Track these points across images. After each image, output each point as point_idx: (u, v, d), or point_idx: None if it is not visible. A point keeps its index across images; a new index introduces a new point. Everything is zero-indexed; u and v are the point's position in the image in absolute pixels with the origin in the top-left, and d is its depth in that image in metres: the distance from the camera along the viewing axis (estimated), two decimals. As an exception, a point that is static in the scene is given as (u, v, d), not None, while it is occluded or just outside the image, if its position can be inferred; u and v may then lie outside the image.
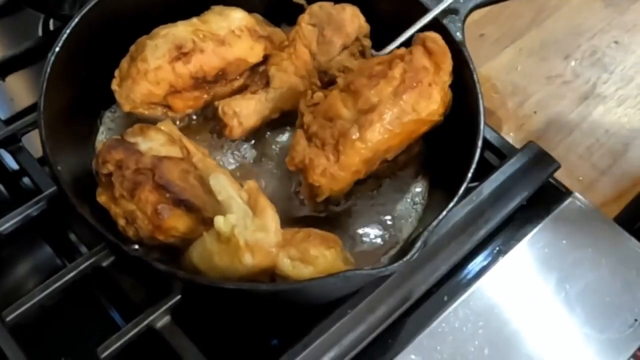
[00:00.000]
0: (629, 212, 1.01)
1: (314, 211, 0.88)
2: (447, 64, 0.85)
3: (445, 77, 0.85)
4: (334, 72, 0.92)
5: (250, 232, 0.71)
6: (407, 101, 0.82)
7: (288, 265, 0.75)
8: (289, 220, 0.86)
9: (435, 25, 0.89)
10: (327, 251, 0.77)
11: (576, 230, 0.94)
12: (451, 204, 0.75)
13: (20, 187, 0.96)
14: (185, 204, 0.76)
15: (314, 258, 0.76)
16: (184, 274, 0.72)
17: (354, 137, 0.81)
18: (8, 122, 0.97)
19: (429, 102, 0.83)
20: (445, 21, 0.89)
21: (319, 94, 0.86)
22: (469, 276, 0.89)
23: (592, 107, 1.14)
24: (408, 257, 0.70)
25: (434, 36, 0.84)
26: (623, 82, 1.18)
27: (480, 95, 0.84)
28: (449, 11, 0.90)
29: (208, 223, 0.75)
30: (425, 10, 0.90)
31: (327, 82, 0.93)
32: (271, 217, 0.72)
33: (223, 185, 0.74)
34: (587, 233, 0.94)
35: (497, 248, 0.92)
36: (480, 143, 0.81)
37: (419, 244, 0.71)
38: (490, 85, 1.15)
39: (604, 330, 0.87)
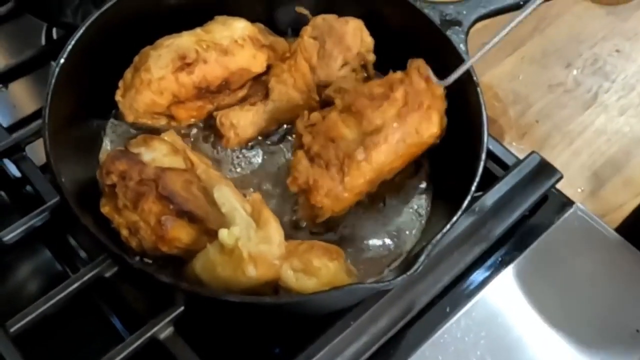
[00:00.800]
0: (631, 222, 1.01)
1: (312, 232, 0.87)
2: (440, 89, 0.85)
3: (440, 102, 0.85)
4: (330, 93, 0.92)
5: (253, 244, 0.71)
6: (411, 123, 0.83)
7: (291, 277, 0.75)
8: (291, 233, 0.86)
9: (439, 37, 0.89)
10: (330, 263, 0.77)
11: (578, 241, 0.94)
12: (454, 218, 0.76)
13: (23, 194, 0.96)
14: (188, 215, 0.76)
15: (317, 269, 0.76)
16: (187, 286, 0.72)
17: (360, 157, 0.81)
18: (11, 129, 0.97)
19: (430, 125, 0.84)
20: (448, 33, 0.89)
21: (315, 115, 0.86)
22: (472, 287, 0.90)
23: (594, 116, 1.15)
24: (411, 271, 0.70)
25: (425, 65, 0.85)
26: (625, 91, 1.18)
27: (484, 110, 0.83)
28: (452, 23, 0.90)
29: (211, 234, 0.75)
30: (432, 26, 0.90)
31: (325, 99, 0.93)
32: (275, 229, 0.72)
33: (227, 197, 0.74)
34: (589, 243, 0.94)
35: (500, 259, 0.92)
36: (483, 157, 0.81)
37: (422, 257, 0.71)
38: (492, 94, 1.15)
39: (606, 340, 0.87)
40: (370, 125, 0.82)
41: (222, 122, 0.90)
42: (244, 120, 0.91)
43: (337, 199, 0.82)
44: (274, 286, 0.75)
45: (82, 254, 0.90)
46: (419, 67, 0.84)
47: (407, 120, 0.82)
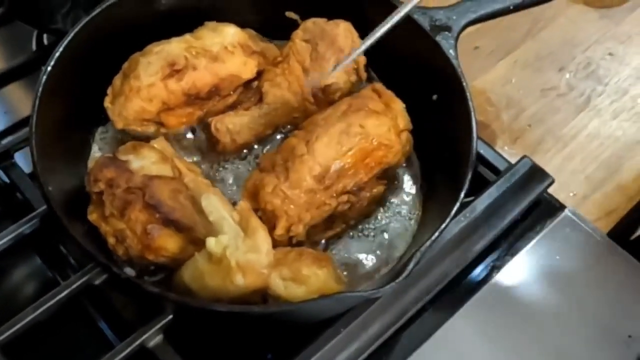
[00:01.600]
0: (623, 227, 1.01)
1: (277, 244, 0.81)
2: (398, 103, 0.88)
3: (399, 119, 0.87)
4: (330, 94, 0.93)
5: (241, 252, 0.71)
6: (354, 118, 0.84)
7: (280, 285, 0.75)
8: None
9: (428, 42, 0.89)
10: (319, 270, 0.77)
11: (570, 245, 0.94)
12: (443, 226, 0.75)
13: (13, 200, 0.96)
14: (175, 224, 0.76)
15: (306, 277, 0.76)
16: (175, 296, 0.72)
17: (301, 152, 0.82)
18: (1, 135, 0.97)
19: (379, 123, 0.85)
20: (438, 38, 0.89)
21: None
22: (464, 292, 0.89)
23: (587, 120, 1.14)
24: (400, 278, 0.70)
25: (380, 85, 0.91)
26: (617, 95, 1.17)
27: (473, 117, 0.83)
28: (442, 28, 0.89)
29: (198, 243, 0.75)
30: (421, 31, 0.90)
31: (324, 99, 0.93)
32: (263, 238, 0.72)
33: (215, 206, 0.74)
34: (580, 248, 0.94)
35: (492, 264, 0.92)
36: (471, 165, 0.80)
37: (411, 265, 0.71)
38: (485, 99, 1.15)
39: (598, 346, 0.87)
40: (313, 125, 0.85)
41: (218, 128, 0.90)
42: (239, 125, 0.90)
43: (286, 198, 0.80)
44: (263, 295, 0.75)
45: (73, 260, 0.90)
46: (374, 85, 0.90)
47: (350, 116, 0.85)
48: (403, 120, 0.88)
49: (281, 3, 0.99)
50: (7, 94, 1.09)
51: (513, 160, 0.97)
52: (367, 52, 0.94)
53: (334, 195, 0.83)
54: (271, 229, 0.80)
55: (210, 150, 0.93)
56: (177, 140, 0.92)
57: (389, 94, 0.89)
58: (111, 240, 0.77)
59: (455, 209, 0.76)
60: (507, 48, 1.22)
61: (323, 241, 0.87)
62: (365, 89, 0.90)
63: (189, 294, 0.74)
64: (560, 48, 1.23)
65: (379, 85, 0.90)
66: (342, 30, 0.93)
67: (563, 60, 1.22)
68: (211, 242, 0.71)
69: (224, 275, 0.71)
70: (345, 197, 0.84)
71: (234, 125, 0.90)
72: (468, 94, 0.84)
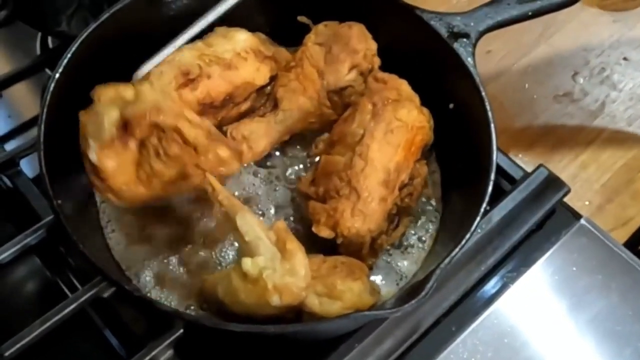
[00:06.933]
0: (639, 237, 1.00)
1: (370, 263, 0.84)
2: (403, 84, 0.88)
3: (414, 98, 0.88)
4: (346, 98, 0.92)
5: (279, 276, 0.70)
6: (388, 115, 0.84)
7: (315, 302, 0.73)
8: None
9: (445, 50, 0.87)
10: (353, 284, 0.75)
11: (586, 256, 0.93)
12: (463, 241, 0.74)
13: (17, 205, 0.94)
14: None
15: (341, 293, 0.74)
16: (188, 315, 0.71)
17: (360, 166, 0.81)
18: (4, 138, 0.96)
19: (408, 109, 0.86)
20: (455, 45, 0.87)
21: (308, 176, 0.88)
22: (478, 305, 0.88)
23: (602, 126, 1.12)
24: (420, 296, 0.68)
25: (379, 73, 0.91)
26: (632, 101, 1.15)
27: (492, 128, 0.81)
28: (459, 35, 0.88)
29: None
30: (438, 38, 0.88)
31: (339, 103, 0.92)
32: (300, 262, 0.70)
33: (251, 225, 0.72)
34: (596, 259, 0.93)
35: (507, 275, 0.90)
36: (491, 178, 0.78)
37: (430, 283, 0.69)
38: (498, 104, 1.12)
39: (614, 358, 0.85)
40: (355, 137, 0.84)
41: (234, 136, 0.88)
42: (256, 133, 0.89)
43: (363, 215, 0.81)
44: (297, 310, 0.74)
45: (74, 264, 0.88)
46: (375, 76, 0.90)
47: (383, 114, 0.85)
48: (415, 96, 0.89)
49: (290, 7, 0.96)
50: (10, 96, 1.07)
51: (527, 169, 0.95)
52: (381, 57, 0.93)
53: (397, 193, 0.84)
54: (358, 250, 0.81)
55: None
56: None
57: (392, 78, 0.89)
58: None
59: (476, 224, 0.74)
60: (519, 52, 1.20)
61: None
62: (369, 82, 0.90)
63: (222, 306, 0.74)
64: (574, 53, 1.21)
65: (379, 75, 0.90)
66: (356, 32, 0.92)
67: (576, 65, 1.20)
68: (247, 263, 0.69)
69: (260, 295, 0.70)
70: (405, 191, 0.86)
71: (249, 132, 0.88)
72: (487, 104, 0.82)
